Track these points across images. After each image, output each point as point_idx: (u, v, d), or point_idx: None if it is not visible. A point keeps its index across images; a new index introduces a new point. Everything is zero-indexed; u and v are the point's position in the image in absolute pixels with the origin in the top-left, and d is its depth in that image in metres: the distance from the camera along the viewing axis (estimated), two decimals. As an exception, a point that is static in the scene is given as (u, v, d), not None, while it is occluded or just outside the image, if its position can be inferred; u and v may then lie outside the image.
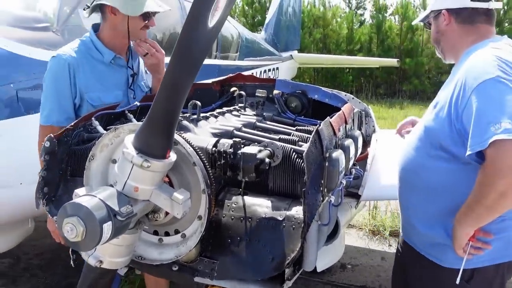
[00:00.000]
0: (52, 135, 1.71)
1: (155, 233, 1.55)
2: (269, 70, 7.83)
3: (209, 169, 1.43)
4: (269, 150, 1.55)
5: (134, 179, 1.27)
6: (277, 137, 1.72)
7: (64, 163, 1.79)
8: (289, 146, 1.60)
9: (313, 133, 1.50)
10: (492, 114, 1.50)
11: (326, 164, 1.57)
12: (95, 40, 2.31)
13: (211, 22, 1.14)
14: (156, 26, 2.40)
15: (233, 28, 6.11)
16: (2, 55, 2.60)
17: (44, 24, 3.08)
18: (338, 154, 1.61)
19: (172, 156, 1.32)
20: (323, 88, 2.23)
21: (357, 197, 2.37)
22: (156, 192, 1.31)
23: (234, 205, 1.57)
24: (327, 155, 1.58)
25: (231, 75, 2.30)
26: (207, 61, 5.05)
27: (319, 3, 19.83)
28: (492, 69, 1.59)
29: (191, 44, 1.15)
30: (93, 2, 2.28)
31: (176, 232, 1.52)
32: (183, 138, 1.40)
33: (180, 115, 1.68)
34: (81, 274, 1.45)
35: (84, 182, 1.51)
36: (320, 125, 1.56)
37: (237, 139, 1.52)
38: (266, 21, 9.64)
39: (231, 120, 1.92)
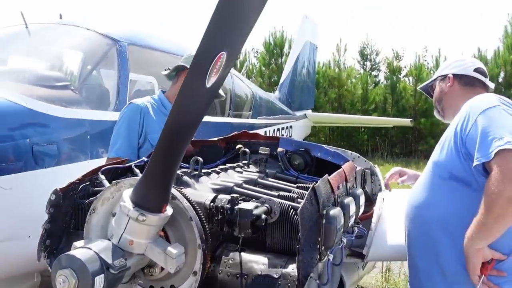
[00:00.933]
0: (58, 189, 1.77)
1: (151, 288, 1.55)
2: (283, 128, 7.95)
3: (205, 224, 1.45)
4: (266, 207, 1.56)
5: (129, 232, 1.30)
6: (276, 193, 1.74)
7: (69, 216, 1.83)
8: (287, 202, 1.61)
9: (309, 190, 1.52)
10: (496, 132, 1.71)
11: (323, 221, 1.57)
12: (162, 98, 2.86)
13: (209, 82, 1.21)
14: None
15: (247, 88, 6.30)
16: (21, 112, 2.73)
17: (64, 83, 3.25)
18: (336, 211, 1.62)
19: (168, 211, 1.35)
20: (325, 146, 2.27)
21: (361, 256, 2.33)
22: (151, 246, 1.33)
23: (231, 262, 1.57)
24: (324, 212, 1.58)
25: (236, 132, 2.37)
26: (220, 119, 5.19)
27: (334, 64, 20.33)
28: (495, 101, 1.86)
29: (189, 103, 1.21)
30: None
31: (172, 287, 1.52)
32: (181, 193, 1.44)
33: (181, 171, 1.73)
34: None
35: (84, 235, 1.54)
36: (317, 182, 1.58)
37: (235, 195, 1.54)
38: (281, 81, 9.92)
39: (233, 176, 1.96)
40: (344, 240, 1.89)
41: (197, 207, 1.45)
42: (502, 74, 17.59)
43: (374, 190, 2.78)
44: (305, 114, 9.90)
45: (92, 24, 3.59)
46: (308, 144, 2.29)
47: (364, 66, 22.00)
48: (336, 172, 1.86)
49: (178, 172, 1.68)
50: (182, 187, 1.60)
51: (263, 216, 1.50)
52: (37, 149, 2.81)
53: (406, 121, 11.00)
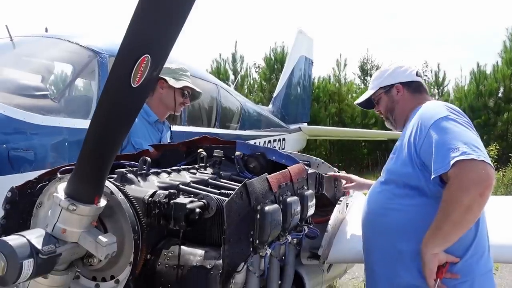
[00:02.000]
0: (14, 186, 1.87)
1: (93, 278, 1.63)
2: (274, 140, 8.06)
3: (141, 217, 1.54)
4: (203, 202, 1.65)
5: (62, 221, 1.39)
6: (218, 191, 1.83)
7: (25, 213, 1.93)
8: (224, 199, 1.70)
9: (240, 186, 1.61)
10: (450, 142, 1.79)
11: (258, 216, 1.66)
12: (145, 106, 3.00)
13: (134, 83, 1.30)
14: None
15: (235, 100, 6.44)
16: (-1, 119, 2.86)
17: (43, 92, 3.39)
18: (272, 208, 1.70)
19: (102, 203, 1.45)
20: (279, 150, 2.36)
21: (317, 257, 2.40)
22: (84, 235, 1.42)
23: (170, 254, 1.66)
24: (259, 208, 1.67)
25: (197, 137, 2.47)
26: (205, 130, 5.31)
27: (334, 79, 20.50)
28: (443, 110, 1.95)
29: (115, 101, 1.31)
30: None
31: (112, 277, 1.60)
32: (117, 187, 1.54)
33: (127, 169, 1.83)
34: None
35: (31, 228, 1.64)
36: (249, 179, 1.67)
37: (172, 191, 1.64)
38: (274, 94, 10.09)
39: (184, 176, 2.05)
40: (289, 237, 1.97)
41: (133, 201, 1.54)
42: (501, 89, 17.65)
43: (338, 195, 2.87)
44: (299, 127, 10.02)
45: (74, 37, 3.75)
46: (264, 148, 2.39)
47: (365, 81, 22.16)
48: (279, 172, 1.95)
49: (123, 170, 1.78)
50: (125, 184, 1.70)
51: (197, 210, 1.59)
52: (14, 154, 2.93)
53: (399, 134, 11.07)
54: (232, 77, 21.34)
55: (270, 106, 9.89)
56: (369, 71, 21.99)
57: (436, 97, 20.24)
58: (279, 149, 8.76)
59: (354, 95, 20.93)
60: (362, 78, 22.16)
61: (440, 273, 1.86)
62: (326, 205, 2.69)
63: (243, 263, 1.65)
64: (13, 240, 1.29)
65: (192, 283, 1.57)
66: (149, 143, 2.78)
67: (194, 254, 1.64)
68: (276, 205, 1.76)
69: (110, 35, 3.90)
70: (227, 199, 1.72)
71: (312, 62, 11.68)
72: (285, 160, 2.30)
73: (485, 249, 1.97)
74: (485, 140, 16.81)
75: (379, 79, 2.40)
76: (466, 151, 1.73)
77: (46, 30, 4.03)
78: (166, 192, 1.64)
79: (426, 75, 20.86)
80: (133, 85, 1.28)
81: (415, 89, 2.32)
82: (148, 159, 1.91)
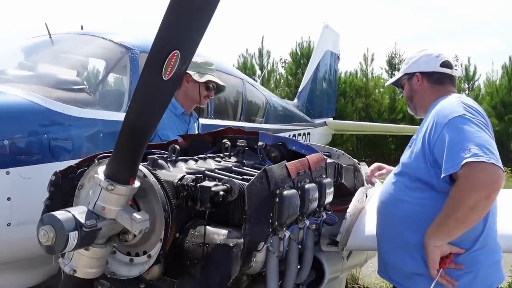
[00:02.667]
0: (58, 171, 2.07)
1: (128, 254, 1.82)
2: (299, 134, 8.17)
3: (171, 198, 1.71)
4: (226, 186, 1.81)
5: (102, 200, 1.57)
6: (240, 177, 1.98)
7: (67, 195, 2.13)
8: (246, 183, 1.85)
9: (260, 171, 1.75)
10: (462, 143, 1.84)
11: (276, 199, 1.81)
12: (173, 100, 3.17)
13: (165, 76, 1.46)
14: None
15: (260, 94, 6.58)
16: (39, 111, 3.09)
17: (80, 86, 3.62)
18: (290, 192, 1.84)
19: (136, 184, 1.62)
20: (300, 141, 2.49)
21: (335, 244, 2.52)
22: (120, 212, 1.60)
23: (197, 233, 1.82)
24: (277, 192, 1.81)
25: (222, 128, 2.63)
26: (231, 123, 5.47)
27: (361, 74, 20.35)
28: (459, 108, 1.97)
29: (148, 91, 1.47)
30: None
31: (144, 253, 1.78)
32: (150, 171, 1.71)
33: (158, 155, 2.00)
34: (60, 284, 1.72)
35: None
36: (269, 165, 1.81)
37: (199, 175, 1.80)
38: (300, 89, 10.18)
39: (210, 163, 2.21)
40: (307, 222, 2.11)
41: (164, 184, 1.71)
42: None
43: (357, 185, 2.97)
44: (325, 121, 10.08)
45: (108, 34, 3.97)
46: (285, 138, 2.52)
47: (392, 75, 21.87)
48: (297, 160, 2.09)
49: (155, 156, 1.95)
50: (156, 169, 1.88)
51: (221, 193, 1.75)
52: (54, 144, 3.17)
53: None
54: (258, 72, 21.47)
55: (296, 100, 9.99)
56: (396, 66, 21.70)
57: (467, 92, 19.85)
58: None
59: (381, 89, 20.76)
60: (390, 72, 21.91)
61: (443, 264, 1.94)
62: (345, 194, 2.80)
63: (263, 242, 1.79)
64: (61, 214, 1.48)
65: (216, 260, 1.73)
66: (176, 134, 2.96)
67: (218, 234, 1.80)
68: (294, 190, 1.90)
69: (141, 32, 4.08)
70: (247, 184, 1.87)
71: (339, 57, 11.70)
72: (304, 150, 2.43)
73: (493, 241, 2.03)
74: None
75: (405, 64, 2.42)
76: (477, 153, 1.78)
77: (82, 28, 4.27)
78: (193, 177, 1.80)
79: (456, 69, 20.38)
80: (164, 78, 1.44)
81: (435, 80, 2.29)
82: (177, 147, 2.08)
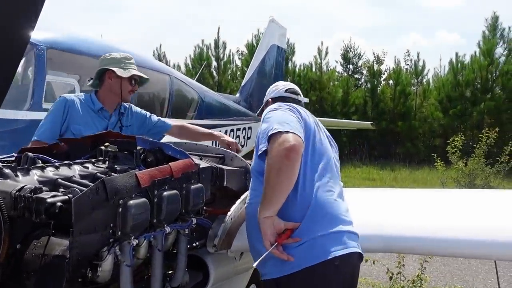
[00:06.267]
0: None
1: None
2: (239, 129, 8.19)
3: (3, 209, 1.68)
4: (68, 196, 1.79)
5: None
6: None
7: None
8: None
9: (96, 182, 1.75)
10: (269, 126, 2.14)
11: (120, 209, 1.81)
12: (93, 96, 3.22)
13: None
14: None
15: (191, 90, 6.54)
16: None
17: None
18: (135, 202, 1.85)
19: None
20: (173, 146, 2.49)
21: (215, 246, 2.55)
22: None
23: (39, 244, 1.80)
24: (121, 202, 1.82)
25: (102, 132, 2.60)
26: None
27: (315, 67, 20.61)
28: (275, 106, 2.33)
29: None
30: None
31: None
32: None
33: (3, 164, 1.96)
34: None
35: None
36: (108, 176, 1.81)
37: (38, 186, 1.78)
38: (242, 83, 10.16)
39: (73, 170, 2.18)
40: (167, 228, 2.12)
41: None
42: (478, 80, 17.86)
43: (248, 187, 3.01)
44: (269, 115, 10.11)
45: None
46: (162, 143, 2.51)
47: (347, 69, 22.31)
48: (156, 168, 2.09)
49: (0, 165, 1.91)
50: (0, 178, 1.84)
51: (58, 204, 1.73)
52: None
53: (367, 124, 11.27)
54: (214, 63, 21.37)
55: (238, 95, 9.98)
56: (351, 60, 22.13)
57: (416, 87, 20.48)
58: (245, 137, 8.89)
59: (336, 83, 21.11)
60: (345, 66, 22.31)
61: (279, 239, 2.06)
62: (232, 197, 2.83)
63: (106, 252, 1.80)
64: None
65: (51, 271, 1.72)
66: (92, 129, 2.95)
67: (60, 244, 1.78)
68: (142, 199, 1.90)
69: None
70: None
71: (285, 51, 11.75)
72: (179, 155, 2.43)
73: (327, 212, 2.15)
74: (461, 129, 17.17)
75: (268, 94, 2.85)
76: (277, 128, 2.07)
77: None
78: (32, 187, 1.77)
79: (407, 64, 21.03)
80: None
81: (280, 101, 2.62)
82: (30, 155, 2.04)
